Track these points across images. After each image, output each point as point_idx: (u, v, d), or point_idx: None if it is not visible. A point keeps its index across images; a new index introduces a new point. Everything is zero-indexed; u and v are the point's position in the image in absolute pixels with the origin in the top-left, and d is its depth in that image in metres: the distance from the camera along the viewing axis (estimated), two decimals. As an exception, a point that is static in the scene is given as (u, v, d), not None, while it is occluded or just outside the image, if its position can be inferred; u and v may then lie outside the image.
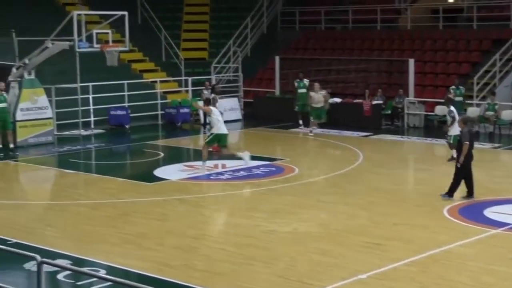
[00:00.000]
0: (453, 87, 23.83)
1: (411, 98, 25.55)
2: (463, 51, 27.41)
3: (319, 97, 23.72)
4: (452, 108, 18.67)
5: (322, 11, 31.72)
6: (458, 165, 14.69)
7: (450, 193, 14.77)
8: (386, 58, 28.41)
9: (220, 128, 17.81)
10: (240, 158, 18.03)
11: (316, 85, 24.08)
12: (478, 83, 25.19)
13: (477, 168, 16.50)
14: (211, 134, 17.97)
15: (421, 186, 16.71)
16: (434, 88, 26.24)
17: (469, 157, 14.69)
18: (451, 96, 22.88)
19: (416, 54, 27.65)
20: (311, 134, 23.60)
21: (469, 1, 29.55)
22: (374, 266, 10.89)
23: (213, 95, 21.43)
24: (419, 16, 30.38)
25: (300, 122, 25.17)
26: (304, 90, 25.22)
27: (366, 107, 25.14)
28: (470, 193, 14.84)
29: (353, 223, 13.36)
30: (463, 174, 14.72)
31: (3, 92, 20.84)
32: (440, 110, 24.30)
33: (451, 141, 17.92)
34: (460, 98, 23.54)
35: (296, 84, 25.41)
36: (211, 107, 18.37)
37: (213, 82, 28.10)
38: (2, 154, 20.29)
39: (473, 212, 14.02)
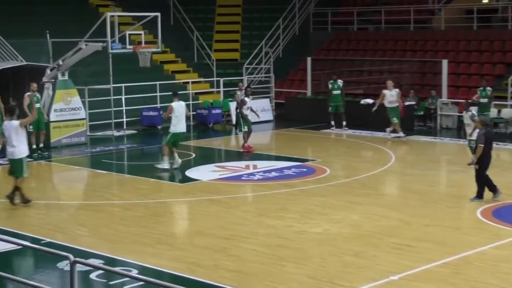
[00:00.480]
0: (481, 88, 23.13)
1: (444, 99, 25.35)
2: (498, 52, 27.13)
3: (392, 95, 22.55)
4: (474, 112, 18.28)
5: (354, 12, 31.60)
6: (476, 167, 14.58)
7: (479, 196, 14.68)
8: (419, 59, 28.21)
9: (176, 127, 18.35)
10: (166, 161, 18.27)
11: (389, 82, 22.87)
12: (512, 84, 24.92)
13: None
14: (169, 133, 18.46)
15: (453, 188, 16.57)
16: (467, 89, 25.96)
17: (487, 159, 14.54)
18: (475, 98, 22.43)
19: (450, 55, 27.44)
20: (404, 136, 22.44)
21: (504, 1, 29.24)
22: (406, 267, 10.82)
23: (242, 96, 21.49)
24: (453, 16, 30.11)
25: (332, 123, 25.04)
26: (338, 92, 25.03)
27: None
28: (494, 192, 14.69)
29: (384, 224, 13.28)
30: (484, 175, 14.58)
31: (35, 92, 21.02)
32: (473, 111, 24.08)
33: (474, 145, 17.62)
34: (485, 100, 22.94)
35: (330, 85, 25.22)
36: (172, 104, 18.54)
37: (245, 83, 28.14)
38: (35, 155, 20.47)
39: (507, 214, 13.87)
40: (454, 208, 14.40)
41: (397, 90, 22.87)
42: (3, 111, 20.00)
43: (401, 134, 22.62)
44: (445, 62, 25.85)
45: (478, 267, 10.90)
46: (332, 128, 24.90)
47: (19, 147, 14.53)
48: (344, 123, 24.85)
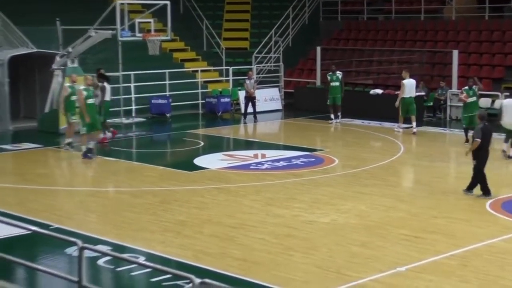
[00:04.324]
0: (466, 87, 21.12)
1: (454, 90, 25.24)
2: (509, 42, 26.95)
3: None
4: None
5: (364, 1, 31.48)
6: (474, 162, 14.33)
7: (470, 188, 14.53)
8: (429, 49, 28.09)
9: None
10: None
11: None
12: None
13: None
14: None
15: (462, 180, 16.41)
16: (478, 80, 25.80)
17: (484, 154, 14.25)
18: (463, 97, 21.13)
19: (461, 45, 27.28)
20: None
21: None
22: (413, 259, 10.81)
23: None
24: (464, 6, 29.94)
25: (332, 116, 24.64)
26: (337, 83, 24.54)
27: (408, 99, 24.84)
28: (470, 188, 14.53)
29: (392, 215, 13.26)
30: (482, 171, 14.30)
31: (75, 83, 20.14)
32: (483, 102, 23.99)
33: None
34: (473, 99, 20.82)
35: (328, 77, 24.89)
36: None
37: (254, 72, 28.09)
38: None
39: (516, 207, 13.82)
40: (463, 200, 14.36)
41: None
42: None
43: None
44: (455, 53, 25.73)
45: (486, 259, 10.87)
46: (330, 122, 24.52)
47: None
48: (339, 114, 24.45)
